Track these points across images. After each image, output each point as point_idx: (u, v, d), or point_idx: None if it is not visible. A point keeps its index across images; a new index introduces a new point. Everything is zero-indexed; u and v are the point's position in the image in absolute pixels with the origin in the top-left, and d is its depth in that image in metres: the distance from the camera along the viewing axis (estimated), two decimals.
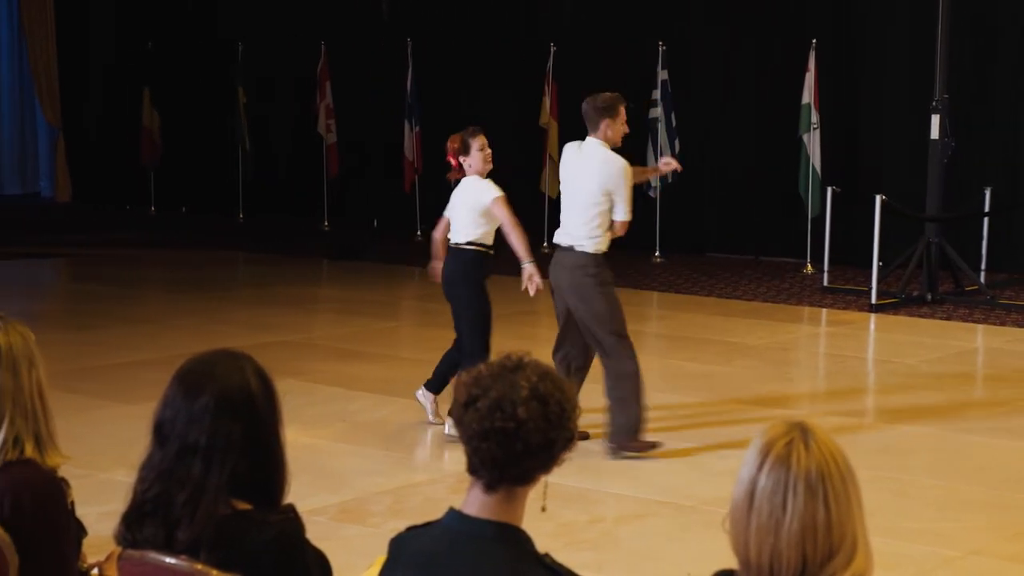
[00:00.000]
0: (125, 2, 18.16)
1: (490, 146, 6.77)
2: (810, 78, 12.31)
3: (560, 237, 6.68)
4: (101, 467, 5.78)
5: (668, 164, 7.03)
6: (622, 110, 6.44)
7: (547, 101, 13.83)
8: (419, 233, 14.52)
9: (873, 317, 10.42)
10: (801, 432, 2.10)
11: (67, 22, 18.57)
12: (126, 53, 17.84)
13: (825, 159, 12.42)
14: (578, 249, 6.52)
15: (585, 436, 6.31)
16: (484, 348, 6.49)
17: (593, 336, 6.41)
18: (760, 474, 2.08)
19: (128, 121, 17.51)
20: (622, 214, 6.48)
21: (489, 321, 6.69)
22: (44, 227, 15.89)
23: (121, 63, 17.96)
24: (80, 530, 3.26)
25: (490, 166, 6.77)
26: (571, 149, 6.60)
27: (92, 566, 3.24)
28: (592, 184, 6.41)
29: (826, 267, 11.67)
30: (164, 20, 17.59)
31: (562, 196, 6.76)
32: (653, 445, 6.40)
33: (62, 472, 3.00)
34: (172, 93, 17.23)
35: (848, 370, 8.65)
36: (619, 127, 6.44)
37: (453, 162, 6.77)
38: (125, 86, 17.74)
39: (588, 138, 6.48)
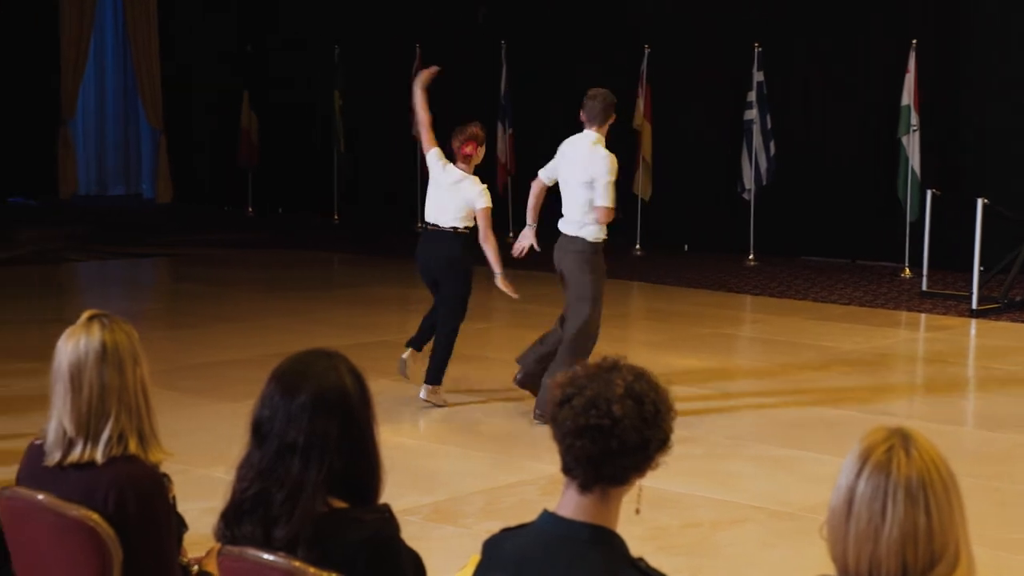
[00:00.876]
0: (225, 7, 18.47)
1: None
2: (910, 79, 12.11)
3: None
4: (199, 463, 5.88)
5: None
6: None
7: (641, 103, 13.77)
8: (510, 234, 14.54)
9: (974, 322, 10.21)
10: (901, 438, 2.07)
11: (169, 26, 18.94)
12: (226, 57, 18.14)
13: (925, 161, 12.20)
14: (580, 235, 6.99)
15: None
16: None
17: None
18: (859, 480, 2.05)
19: (227, 123, 17.80)
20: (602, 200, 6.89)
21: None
22: (146, 227, 16.21)
23: (221, 66, 18.27)
24: (181, 525, 3.31)
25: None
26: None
27: (192, 561, 3.29)
28: (585, 175, 6.89)
29: (925, 271, 11.46)
30: (262, 24, 17.85)
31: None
32: None
33: (163, 468, 3.05)
34: (270, 95, 17.48)
35: (948, 376, 8.48)
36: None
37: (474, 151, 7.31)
38: (225, 89, 18.04)
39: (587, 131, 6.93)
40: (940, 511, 2.03)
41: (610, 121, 6.97)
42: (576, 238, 6.96)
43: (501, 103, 14.69)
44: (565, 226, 7.03)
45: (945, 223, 11.68)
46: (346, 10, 16.87)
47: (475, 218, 7.28)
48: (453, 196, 7.31)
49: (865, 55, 13.08)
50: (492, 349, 8.99)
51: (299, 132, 17.47)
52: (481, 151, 7.36)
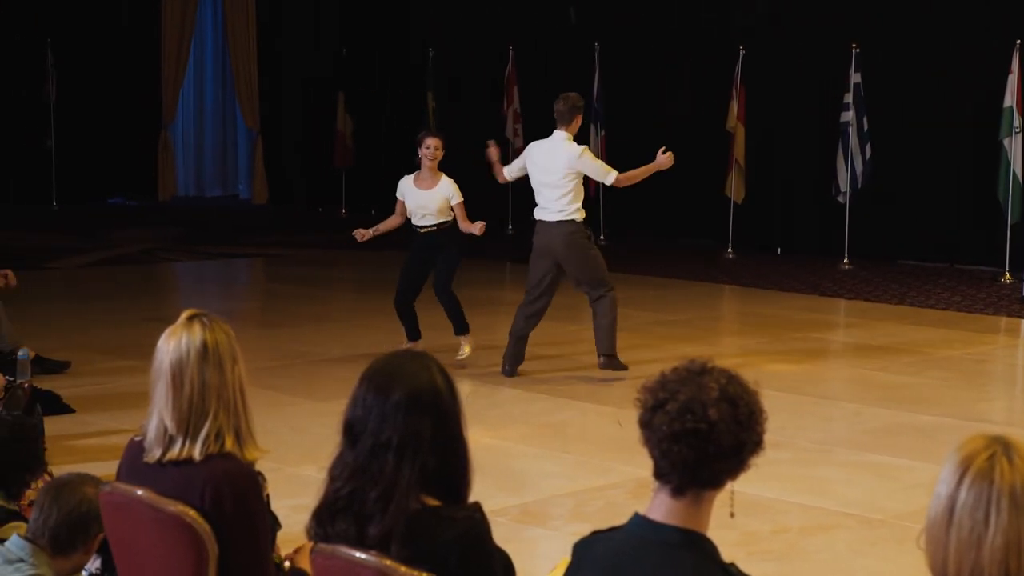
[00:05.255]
0: (321, 9, 18.69)
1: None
2: (1013, 80, 11.85)
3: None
4: (291, 462, 5.96)
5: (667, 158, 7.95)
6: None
7: (735, 105, 13.66)
8: (603, 237, 14.52)
9: None
10: (1003, 446, 2.04)
11: (267, 28, 19.21)
12: (322, 59, 18.35)
13: None
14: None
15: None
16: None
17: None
18: (960, 489, 2.02)
19: (322, 125, 18.01)
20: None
21: None
22: (241, 228, 16.45)
23: (317, 69, 18.49)
24: (275, 523, 3.37)
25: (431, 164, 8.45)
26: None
27: (286, 559, 3.34)
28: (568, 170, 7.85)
29: None
30: (358, 26, 18.03)
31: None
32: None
33: (257, 466, 3.10)
34: (365, 97, 17.64)
35: None
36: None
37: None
38: (320, 91, 18.25)
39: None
40: None
41: (577, 122, 7.94)
42: (562, 221, 7.90)
43: (594, 105, 14.66)
44: (546, 214, 8.01)
45: None
46: (439, 12, 16.97)
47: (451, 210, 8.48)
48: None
49: (966, 56, 12.82)
50: (582, 351, 8.97)
51: (392, 134, 17.61)
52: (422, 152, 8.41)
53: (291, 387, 7.77)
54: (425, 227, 8.48)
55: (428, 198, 8.39)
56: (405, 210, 8.47)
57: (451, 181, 8.48)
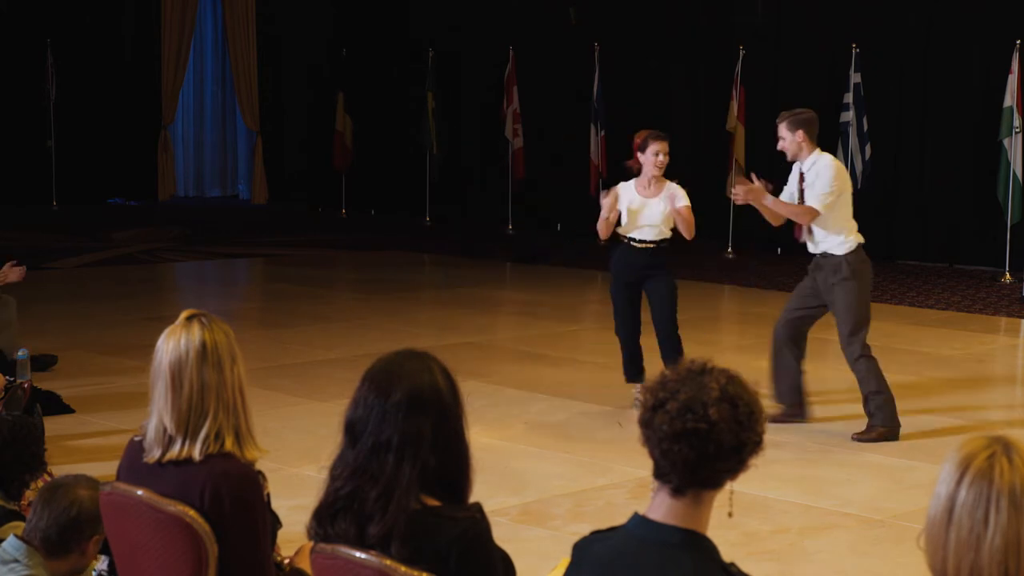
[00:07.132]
0: (321, 9, 18.69)
1: (675, 150, 7.25)
2: (1013, 80, 11.85)
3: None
4: (291, 462, 5.96)
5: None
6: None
7: (734, 105, 13.66)
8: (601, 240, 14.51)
9: None
10: (1003, 446, 2.04)
11: (267, 28, 19.21)
12: (321, 59, 18.35)
13: None
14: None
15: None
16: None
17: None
18: (960, 488, 2.02)
19: (322, 125, 18.00)
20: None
21: None
22: (241, 228, 16.45)
23: (317, 69, 18.49)
24: (275, 522, 3.37)
25: (658, 172, 7.24)
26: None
27: (284, 559, 3.34)
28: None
29: None
30: (358, 26, 18.03)
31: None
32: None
33: (257, 466, 3.10)
34: (364, 98, 17.64)
35: None
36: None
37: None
38: (320, 91, 18.24)
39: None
40: None
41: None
42: (827, 254, 7.05)
43: (594, 106, 14.66)
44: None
45: None
46: (439, 13, 16.97)
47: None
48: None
49: (966, 56, 12.83)
50: (582, 352, 8.98)
51: (392, 134, 17.61)
52: (640, 158, 7.29)
53: (291, 387, 7.77)
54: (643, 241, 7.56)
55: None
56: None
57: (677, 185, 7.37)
